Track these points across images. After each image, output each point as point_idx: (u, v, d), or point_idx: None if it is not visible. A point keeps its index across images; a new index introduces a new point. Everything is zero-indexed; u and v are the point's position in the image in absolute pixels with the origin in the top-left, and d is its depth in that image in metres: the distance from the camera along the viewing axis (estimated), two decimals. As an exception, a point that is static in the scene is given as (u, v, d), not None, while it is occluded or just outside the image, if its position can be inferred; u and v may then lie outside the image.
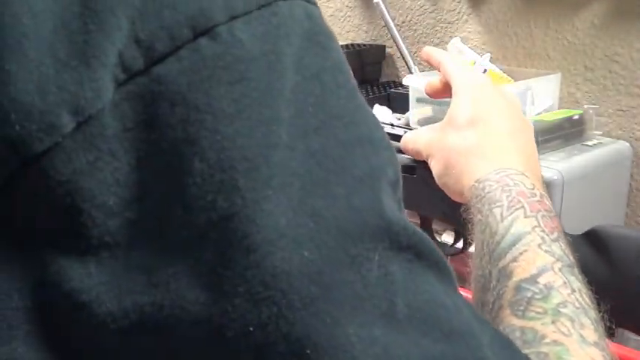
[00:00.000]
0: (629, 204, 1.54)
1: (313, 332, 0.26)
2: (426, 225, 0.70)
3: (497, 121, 0.58)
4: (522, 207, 0.49)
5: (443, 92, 0.64)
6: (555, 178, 1.28)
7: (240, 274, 0.26)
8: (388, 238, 0.29)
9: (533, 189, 0.51)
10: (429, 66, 0.67)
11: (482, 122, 0.58)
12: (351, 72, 0.31)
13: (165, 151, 0.26)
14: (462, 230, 0.64)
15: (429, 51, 0.65)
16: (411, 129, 0.66)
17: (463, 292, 0.52)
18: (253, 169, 0.26)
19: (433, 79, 0.65)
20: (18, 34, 0.25)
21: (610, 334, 0.60)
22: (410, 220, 0.31)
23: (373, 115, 0.32)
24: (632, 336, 0.85)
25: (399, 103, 1.67)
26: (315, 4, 0.31)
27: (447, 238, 0.72)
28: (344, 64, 0.31)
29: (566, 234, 0.58)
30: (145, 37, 0.26)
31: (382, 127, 0.32)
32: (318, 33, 0.30)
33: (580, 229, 0.65)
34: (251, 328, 0.26)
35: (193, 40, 0.26)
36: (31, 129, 0.25)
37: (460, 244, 0.70)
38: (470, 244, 0.68)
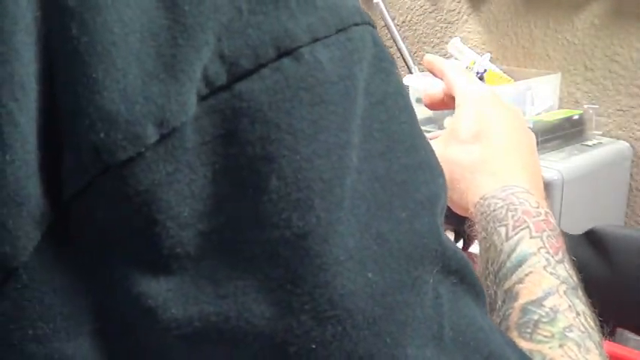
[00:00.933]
0: (629, 204, 1.54)
1: (375, 352, 0.27)
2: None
3: (502, 136, 0.57)
4: (528, 227, 0.49)
5: (443, 104, 0.63)
6: (555, 178, 1.28)
7: (308, 291, 0.26)
8: (442, 262, 0.30)
9: (537, 207, 0.51)
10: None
11: (487, 137, 0.57)
12: (409, 96, 0.32)
13: (242, 167, 0.26)
14: (462, 230, 0.64)
15: (431, 59, 0.65)
16: None
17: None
18: (328, 190, 0.27)
19: (433, 90, 0.64)
20: (107, 43, 0.25)
21: (610, 334, 0.60)
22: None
23: (428, 141, 0.32)
24: (632, 336, 0.85)
25: (399, 103, 1.67)
26: (376, 27, 0.31)
27: (447, 238, 0.72)
28: (404, 89, 0.32)
29: (566, 234, 0.58)
30: (230, 54, 0.26)
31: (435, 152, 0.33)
32: (382, 59, 0.30)
33: (580, 229, 0.65)
34: (314, 346, 0.27)
35: (277, 60, 0.27)
36: (116, 138, 0.25)
37: (460, 244, 0.70)
38: (470, 244, 0.68)
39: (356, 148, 0.28)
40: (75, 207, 0.26)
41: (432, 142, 0.60)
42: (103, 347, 0.27)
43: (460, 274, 0.31)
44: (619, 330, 0.67)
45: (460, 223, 0.58)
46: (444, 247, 0.30)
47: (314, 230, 0.27)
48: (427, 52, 1.87)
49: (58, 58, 0.25)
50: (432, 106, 0.65)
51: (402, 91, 0.31)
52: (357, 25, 0.29)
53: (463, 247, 0.69)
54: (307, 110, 0.27)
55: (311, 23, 0.27)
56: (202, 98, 0.26)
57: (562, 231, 0.58)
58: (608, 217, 1.48)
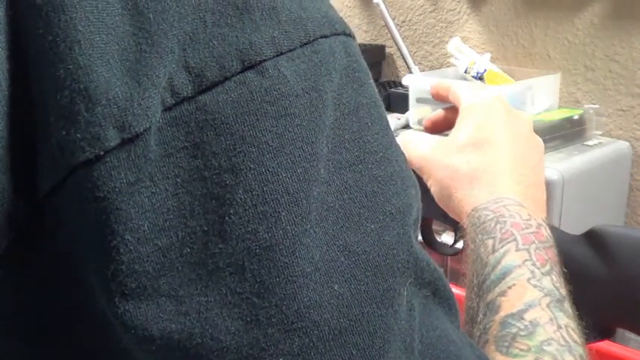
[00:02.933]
0: (629, 204, 1.54)
1: None
2: (425, 225, 0.70)
3: (503, 146, 0.56)
4: (514, 240, 0.49)
5: (445, 124, 0.63)
6: (555, 178, 1.28)
7: (276, 304, 0.26)
8: (414, 274, 0.30)
9: (528, 220, 0.50)
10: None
11: (487, 146, 0.56)
12: (383, 106, 0.32)
13: (206, 179, 0.26)
14: (461, 231, 0.64)
15: (437, 83, 0.64)
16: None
17: (458, 290, 0.51)
18: (294, 202, 0.27)
19: (434, 113, 0.64)
20: (70, 41, 0.25)
21: (610, 334, 0.60)
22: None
23: (402, 151, 0.32)
24: (632, 336, 0.85)
25: (398, 102, 1.68)
26: (353, 36, 0.31)
27: (447, 238, 0.72)
28: (378, 100, 0.32)
29: (566, 234, 0.58)
30: (195, 65, 0.26)
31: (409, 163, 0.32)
32: (355, 70, 0.30)
33: (580, 229, 0.65)
34: (281, 359, 0.27)
35: (241, 73, 0.27)
36: (76, 137, 0.25)
37: (460, 244, 0.70)
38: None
39: (324, 160, 0.28)
40: (48, 206, 0.26)
41: (426, 144, 0.60)
42: (76, 347, 0.28)
43: (433, 287, 0.31)
44: (619, 330, 0.67)
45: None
46: (415, 258, 0.30)
47: (281, 242, 0.26)
48: (427, 52, 1.87)
49: (29, 56, 0.25)
50: (434, 128, 0.64)
51: (376, 102, 0.31)
52: (325, 37, 0.29)
53: (462, 248, 0.69)
54: (272, 123, 0.27)
55: (274, 37, 0.28)
56: (166, 109, 0.26)
57: (562, 231, 0.58)
58: (608, 217, 1.48)
